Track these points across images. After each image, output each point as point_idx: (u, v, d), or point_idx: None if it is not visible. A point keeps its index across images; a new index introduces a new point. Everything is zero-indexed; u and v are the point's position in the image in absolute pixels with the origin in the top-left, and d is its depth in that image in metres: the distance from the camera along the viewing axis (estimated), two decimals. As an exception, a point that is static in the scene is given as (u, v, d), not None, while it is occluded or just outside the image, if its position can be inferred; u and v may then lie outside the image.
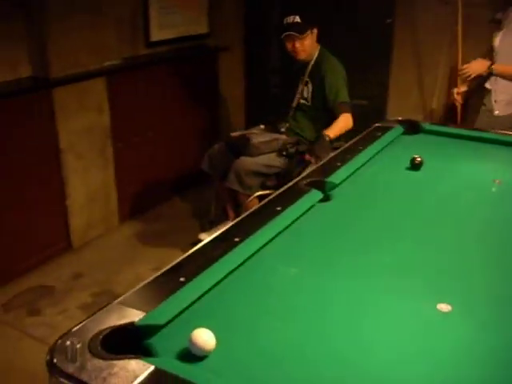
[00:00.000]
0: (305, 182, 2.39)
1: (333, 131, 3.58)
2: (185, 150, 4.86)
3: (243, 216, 2.11)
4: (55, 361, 1.30)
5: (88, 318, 1.46)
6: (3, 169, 3.50)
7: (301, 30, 3.66)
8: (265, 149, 3.65)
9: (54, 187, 3.83)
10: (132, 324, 1.43)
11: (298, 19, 3.64)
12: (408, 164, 2.62)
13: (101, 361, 1.28)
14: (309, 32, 3.68)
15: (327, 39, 3.80)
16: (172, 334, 1.44)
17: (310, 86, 3.80)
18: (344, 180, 2.47)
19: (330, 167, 2.56)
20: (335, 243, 1.98)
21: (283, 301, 1.62)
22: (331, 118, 3.67)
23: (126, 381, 1.22)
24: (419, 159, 2.60)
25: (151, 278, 1.65)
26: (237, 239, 1.87)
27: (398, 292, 1.66)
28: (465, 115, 3.97)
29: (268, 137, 3.73)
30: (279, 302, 1.62)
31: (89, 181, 4.07)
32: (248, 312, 1.57)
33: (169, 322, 1.47)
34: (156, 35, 4.50)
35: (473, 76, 3.59)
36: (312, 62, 3.78)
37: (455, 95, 3.87)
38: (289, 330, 1.49)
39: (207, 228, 4.07)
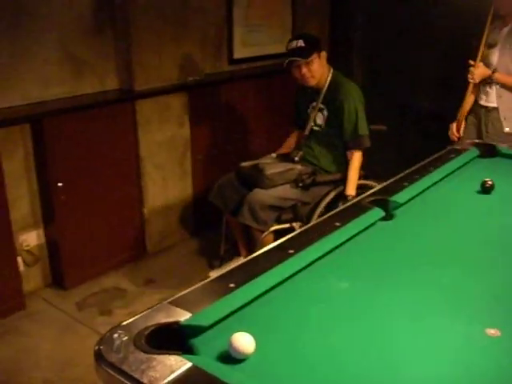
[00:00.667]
0: (368, 200, 2.39)
1: (352, 187, 3.46)
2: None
3: (300, 230, 2.13)
4: (101, 350, 1.38)
5: (138, 314, 1.54)
6: (87, 174, 3.71)
7: (306, 54, 3.42)
8: (279, 180, 3.43)
9: (133, 194, 4.00)
10: (177, 323, 1.49)
11: (301, 43, 3.42)
12: (479, 187, 2.57)
13: (142, 354, 1.35)
14: (315, 56, 3.44)
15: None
16: (215, 337, 1.48)
17: (324, 112, 3.59)
18: (409, 200, 2.45)
19: (396, 186, 2.54)
20: (392, 261, 1.97)
21: (328, 313, 1.64)
22: (343, 145, 3.57)
23: (162, 374, 1.28)
24: (490, 182, 2.54)
25: (202, 283, 1.71)
26: (291, 251, 1.91)
27: (449, 312, 1.65)
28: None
29: (282, 167, 3.50)
30: (324, 314, 1.64)
31: (167, 190, 4.22)
32: (291, 322, 1.59)
33: (213, 324, 1.53)
34: (239, 53, 4.63)
35: (477, 81, 3.65)
36: (325, 87, 3.55)
37: (454, 131, 3.85)
38: (329, 342, 1.50)
39: (216, 265, 3.90)
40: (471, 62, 3.63)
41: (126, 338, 1.42)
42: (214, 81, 4.44)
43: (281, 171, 3.44)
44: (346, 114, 3.45)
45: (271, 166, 3.49)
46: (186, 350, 1.43)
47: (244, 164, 3.62)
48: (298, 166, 3.53)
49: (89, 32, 3.72)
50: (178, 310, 1.55)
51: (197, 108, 4.26)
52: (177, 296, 1.63)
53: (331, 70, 3.57)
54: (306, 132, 3.66)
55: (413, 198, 2.48)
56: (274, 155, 3.73)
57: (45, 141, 3.46)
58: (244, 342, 1.39)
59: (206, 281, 1.72)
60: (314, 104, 3.62)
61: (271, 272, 1.77)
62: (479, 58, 3.64)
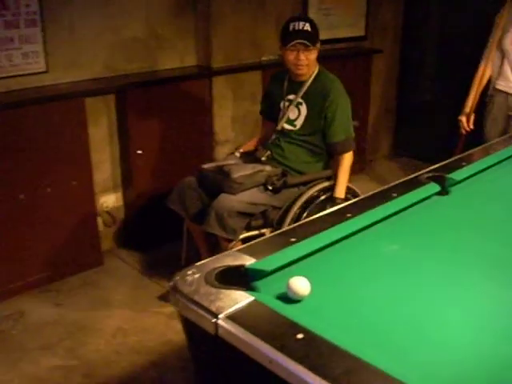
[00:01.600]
0: (426, 175, 2.53)
1: (342, 189, 3.25)
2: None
3: (359, 198, 2.30)
4: (177, 283, 1.60)
5: (211, 259, 1.76)
6: (164, 143, 3.98)
7: (312, 40, 3.16)
8: (248, 184, 3.12)
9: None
10: (243, 266, 1.70)
11: (308, 27, 3.14)
12: (536, 172, 2.66)
13: (211, 288, 1.57)
14: (318, 45, 3.22)
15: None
16: (275, 281, 1.68)
17: (302, 108, 3.29)
18: (466, 178, 2.56)
19: (454, 165, 2.67)
20: (441, 231, 2.12)
21: (376, 269, 1.82)
22: (320, 145, 3.32)
23: (227, 304, 1.49)
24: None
25: (267, 236, 1.92)
26: (349, 215, 2.09)
27: (493, 280, 1.77)
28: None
29: (250, 169, 3.17)
30: (373, 269, 1.82)
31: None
32: (344, 273, 1.79)
33: (275, 270, 1.73)
34: (313, 35, 4.77)
35: None
36: (309, 82, 3.27)
37: (465, 125, 3.94)
38: (374, 293, 1.67)
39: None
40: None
41: (198, 275, 1.64)
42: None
43: (249, 174, 3.13)
44: (338, 113, 3.23)
45: (238, 168, 3.17)
46: (249, 290, 1.64)
47: (206, 166, 3.31)
48: (267, 168, 3.23)
49: (172, 12, 3.98)
50: (245, 256, 1.76)
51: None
52: (244, 246, 1.84)
53: (317, 65, 3.31)
54: (279, 128, 3.36)
55: (470, 176, 2.60)
56: (237, 154, 3.44)
57: (127, 110, 3.75)
58: (301, 284, 1.58)
59: (270, 235, 1.93)
60: (292, 97, 3.33)
61: (329, 231, 1.96)
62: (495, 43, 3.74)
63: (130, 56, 3.86)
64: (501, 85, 3.85)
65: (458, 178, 2.52)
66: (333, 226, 2.00)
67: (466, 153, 2.94)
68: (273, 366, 1.32)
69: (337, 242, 1.94)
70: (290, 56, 3.17)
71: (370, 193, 2.35)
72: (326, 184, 3.31)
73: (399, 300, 1.65)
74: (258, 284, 1.67)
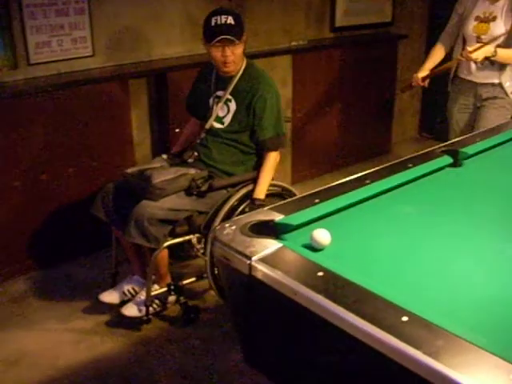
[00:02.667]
0: (440, 150, 2.76)
1: (262, 189, 3.11)
2: (356, 129, 5.33)
3: (379, 168, 2.53)
4: (216, 234, 1.88)
5: (245, 215, 2.03)
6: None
7: (237, 34, 3.00)
8: (170, 189, 2.97)
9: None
10: (272, 220, 1.97)
11: (231, 20, 2.98)
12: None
13: (245, 237, 1.84)
14: (244, 38, 3.06)
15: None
16: (301, 234, 1.94)
17: (231, 105, 3.15)
18: (478, 152, 2.76)
19: (468, 141, 2.89)
20: (452, 197, 2.35)
21: (392, 227, 2.06)
22: (250, 144, 3.19)
23: (259, 249, 1.75)
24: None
25: (293, 198, 2.18)
26: (368, 181, 2.34)
27: (501, 237, 1.98)
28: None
29: (172, 173, 3.02)
30: (388, 227, 2.06)
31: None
32: (362, 228, 2.04)
33: (300, 225, 1.99)
34: (341, 21, 5.02)
35: (479, 60, 3.56)
36: (237, 77, 3.14)
37: (418, 81, 3.91)
38: (388, 247, 1.91)
39: (110, 283, 3.36)
40: (469, 49, 3.53)
41: (234, 227, 1.91)
42: (316, 46, 4.86)
43: (171, 178, 2.99)
44: (267, 109, 3.09)
45: (159, 172, 3.02)
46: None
47: (129, 170, 3.15)
48: (192, 171, 3.08)
49: (206, 1, 4.24)
50: (274, 212, 2.03)
51: (299, 70, 4.72)
52: (273, 205, 2.11)
53: (245, 59, 3.19)
54: (207, 126, 3.22)
55: (482, 151, 2.80)
56: (164, 156, 3.27)
57: (166, 92, 4.03)
58: (322, 235, 1.84)
59: (297, 196, 2.19)
60: (220, 93, 3.19)
61: (350, 194, 2.21)
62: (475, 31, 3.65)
63: (169, 41, 4.14)
64: (464, 73, 3.85)
65: (470, 151, 2.73)
66: (353, 190, 2.26)
67: (480, 131, 3.16)
68: (297, 297, 1.59)
69: (356, 204, 2.20)
70: (216, 53, 3.03)
71: (388, 163, 2.59)
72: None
73: (412, 250, 1.89)
74: (286, 236, 1.93)
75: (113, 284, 3.34)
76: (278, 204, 2.12)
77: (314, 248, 1.84)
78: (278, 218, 1.99)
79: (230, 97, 3.15)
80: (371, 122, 5.46)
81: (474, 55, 3.51)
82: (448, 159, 2.64)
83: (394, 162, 2.59)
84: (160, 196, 2.94)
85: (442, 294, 1.63)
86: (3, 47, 3.43)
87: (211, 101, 3.22)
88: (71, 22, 3.66)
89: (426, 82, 3.94)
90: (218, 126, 3.19)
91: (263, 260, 1.72)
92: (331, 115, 5.09)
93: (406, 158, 2.64)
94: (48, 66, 3.64)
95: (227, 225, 1.93)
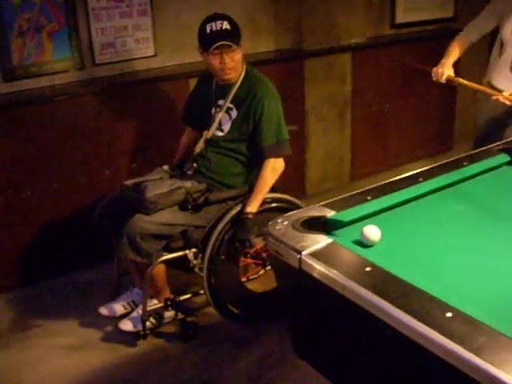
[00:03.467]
0: (498, 147, 2.73)
1: (255, 203, 2.94)
2: (415, 127, 5.29)
3: (433, 166, 2.53)
4: (269, 228, 1.94)
5: (297, 211, 2.09)
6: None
7: (234, 39, 2.87)
8: (165, 203, 2.86)
9: (297, 142, 4.55)
10: (324, 217, 2.02)
11: (227, 25, 2.85)
12: None
13: (296, 232, 1.90)
14: (241, 44, 2.93)
15: None
16: (352, 230, 1.98)
17: (232, 113, 3.02)
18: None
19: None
20: (505, 197, 2.32)
21: (442, 224, 2.08)
22: (249, 155, 3.06)
23: (310, 244, 1.81)
24: None
25: (346, 195, 2.22)
26: (421, 179, 2.35)
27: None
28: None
29: (168, 186, 2.89)
30: (438, 224, 2.08)
31: (327, 140, 4.75)
32: (413, 225, 2.07)
33: (352, 222, 2.03)
34: (401, 18, 4.98)
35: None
36: (238, 84, 3.00)
37: (440, 77, 3.43)
38: (443, 243, 1.93)
39: (112, 296, 3.31)
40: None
41: (287, 222, 1.97)
42: (375, 43, 4.85)
43: (165, 192, 2.87)
44: (266, 114, 2.94)
45: (155, 184, 2.90)
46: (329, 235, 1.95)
47: (127, 182, 3.03)
48: (188, 184, 2.94)
49: (266, 0, 4.31)
50: (326, 209, 2.07)
51: (359, 68, 4.72)
52: (327, 201, 2.15)
53: (245, 64, 3.06)
54: (208, 136, 3.08)
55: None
56: (165, 167, 3.14)
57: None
58: (372, 231, 1.88)
59: (349, 193, 2.23)
60: (221, 102, 3.05)
61: (402, 192, 2.24)
62: None
63: (229, 40, 4.22)
64: (498, 81, 3.36)
65: (529, 149, 2.71)
66: (405, 188, 2.27)
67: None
68: (345, 291, 1.63)
69: (408, 202, 2.22)
70: (214, 61, 2.89)
71: (443, 161, 2.58)
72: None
73: (457, 250, 1.90)
74: (337, 232, 1.98)
75: (115, 296, 3.29)
76: (330, 200, 2.16)
77: (363, 244, 1.88)
78: (330, 214, 2.04)
79: (230, 105, 3.02)
80: (432, 120, 5.40)
81: None
82: (505, 157, 2.62)
83: (448, 160, 2.59)
84: (153, 210, 2.84)
85: (488, 292, 1.65)
86: (70, 49, 3.60)
87: (213, 110, 3.09)
88: (134, 24, 3.79)
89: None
90: (218, 133, 3.07)
91: (313, 254, 1.77)
92: (391, 112, 5.07)
93: (461, 156, 2.63)
94: (112, 66, 3.79)
95: (279, 220, 1.99)
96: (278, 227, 1.95)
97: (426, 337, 1.40)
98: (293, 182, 4.64)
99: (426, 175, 2.38)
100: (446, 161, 2.58)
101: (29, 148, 3.47)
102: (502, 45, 3.32)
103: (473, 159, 2.57)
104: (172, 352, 3.07)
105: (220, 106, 3.05)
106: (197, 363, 2.98)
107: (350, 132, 4.84)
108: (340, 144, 4.84)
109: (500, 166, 2.58)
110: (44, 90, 3.57)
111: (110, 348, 3.12)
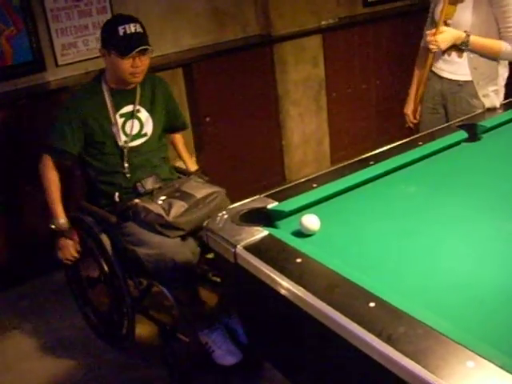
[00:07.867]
0: (457, 124, 2.68)
1: (194, 160, 3.32)
2: (396, 104, 5.21)
3: (386, 147, 2.48)
4: (209, 223, 1.92)
5: (239, 203, 2.06)
6: (231, 110, 4.31)
7: (148, 42, 2.75)
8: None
9: (272, 129, 4.53)
10: (265, 208, 1.99)
11: (139, 28, 2.70)
12: None
13: (234, 225, 1.87)
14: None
15: None
16: (294, 220, 1.94)
17: (142, 115, 2.88)
18: (498, 125, 2.64)
19: (488, 114, 2.77)
20: (463, 174, 2.26)
21: (389, 208, 2.03)
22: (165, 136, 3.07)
23: (244, 237, 1.78)
24: None
25: (291, 184, 2.19)
26: (372, 162, 2.31)
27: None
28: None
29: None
30: (386, 209, 2.03)
31: (303, 125, 4.70)
32: (356, 213, 2.02)
33: (294, 212, 2.00)
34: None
35: (443, 49, 2.97)
36: (139, 86, 2.89)
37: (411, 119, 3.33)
38: (386, 230, 1.88)
39: None
40: (427, 33, 3.00)
41: (227, 216, 1.94)
42: (347, 23, 4.78)
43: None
44: (173, 99, 3.08)
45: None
46: (269, 227, 1.91)
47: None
48: (173, 202, 2.75)
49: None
50: (269, 200, 2.04)
51: (331, 49, 4.66)
52: (270, 192, 2.12)
53: None
54: (125, 150, 2.83)
55: (503, 123, 2.68)
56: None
57: (194, 82, 4.09)
58: (310, 220, 1.85)
59: (295, 182, 2.20)
60: (129, 108, 2.86)
61: (350, 177, 2.19)
62: (442, 17, 2.93)
63: (195, 32, 4.18)
64: (435, 64, 3.15)
65: (488, 124, 2.61)
66: (355, 172, 2.23)
67: (504, 102, 3.03)
68: (274, 284, 1.60)
69: (357, 186, 2.17)
70: (125, 65, 2.70)
71: (398, 142, 2.53)
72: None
73: (403, 236, 1.85)
74: (279, 223, 1.95)
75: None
76: (273, 191, 2.13)
77: (304, 234, 1.85)
78: (271, 205, 2.00)
79: (138, 107, 2.88)
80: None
81: (439, 38, 2.91)
82: (462, 134, 2.55)
83: (403, 141, 2.54)
84: None
85: (423, 282, 1.61)
86: (31, 52, 3.58)
87: (114, 121, 2.82)
88: (95, 22, 3.76)
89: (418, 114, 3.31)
90: (138, 142, 2.88)
91: (247, 248, 1.75)
92: (368, 92, 5.01)
93: (417, 135, 2.59)
94: (75, 66, 3.77)
95: (220, 214, 1.97)
96: (217, 221, 1.92)
97: (345, 328, 1.38)
98: (271, 170, 4.63)
99: (378, 158, 2.34)
100: (400, 142, 2.53)
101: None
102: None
103: (429, 138, 2.52)
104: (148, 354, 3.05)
105: (125, 114, 2.86)
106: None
107: (326, 115, 4.79)
108: (317, 128, 4.80)
109: (458, 143, 2.52)
110: (8, 95, 3.56)
111: (86, 349, 3.13)
